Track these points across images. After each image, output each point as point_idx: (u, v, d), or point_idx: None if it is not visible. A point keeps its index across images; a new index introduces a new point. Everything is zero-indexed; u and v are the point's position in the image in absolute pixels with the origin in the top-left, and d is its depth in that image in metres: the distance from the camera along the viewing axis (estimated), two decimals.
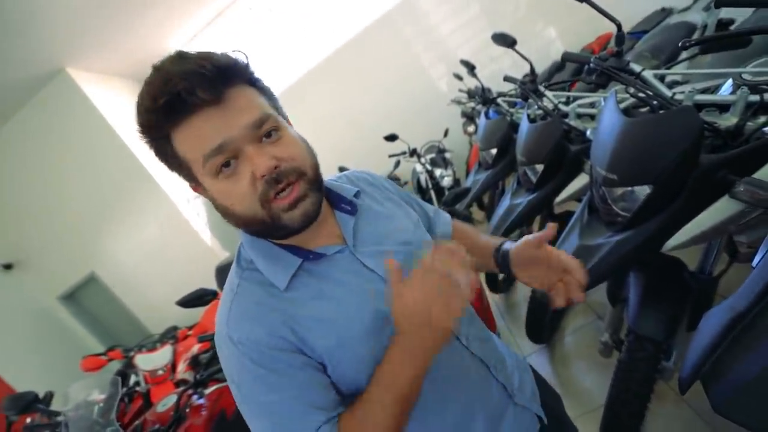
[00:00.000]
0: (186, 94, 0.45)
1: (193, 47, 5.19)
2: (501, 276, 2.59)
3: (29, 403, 1.75)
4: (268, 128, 0.51)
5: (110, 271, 4.52)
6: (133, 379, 2.94)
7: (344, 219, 0.62)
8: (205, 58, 0.48)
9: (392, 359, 0.52)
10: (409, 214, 0.71)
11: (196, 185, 0.55)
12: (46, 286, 4.46)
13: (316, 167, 0.56)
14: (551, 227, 0.64)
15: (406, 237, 0.65)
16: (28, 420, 2.02)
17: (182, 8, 4.32)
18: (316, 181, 0.55)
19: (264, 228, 0.54)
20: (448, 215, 0.84)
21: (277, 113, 0.55)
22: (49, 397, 2.10)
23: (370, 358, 0.55)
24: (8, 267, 4.34)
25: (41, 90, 3.93)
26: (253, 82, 0.53)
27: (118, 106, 4.32)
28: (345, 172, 0.74)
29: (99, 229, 4.37)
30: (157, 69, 0.48)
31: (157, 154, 0.53)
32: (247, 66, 0.52)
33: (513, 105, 2.67)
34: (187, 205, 4.53)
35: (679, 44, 0.94)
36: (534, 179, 1.70)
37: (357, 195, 0.66)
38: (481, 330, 0.73)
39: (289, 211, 0.52)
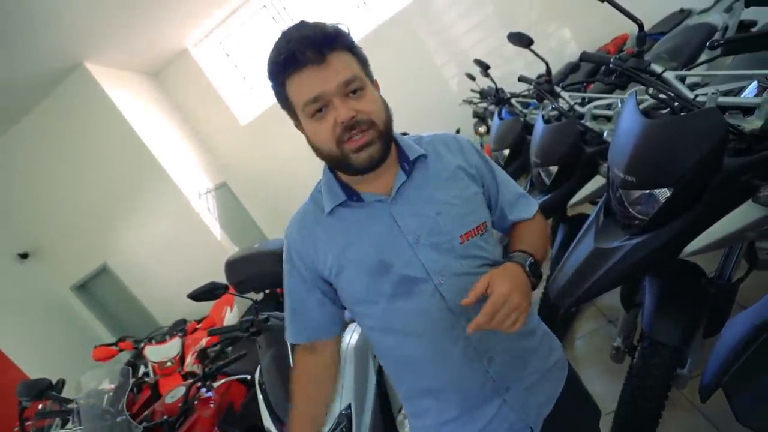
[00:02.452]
0: (299, 53, 0.60)
1: (207, 45, 5.25)
2: None
3: (43, 389, 1.79)
4: (355, 87, 0.63)
5: (122, 263, 4.59)
6: (142, 369, 2.99)
7: (399, 176, 0.71)
8: (318, 27, 0.62)
9: None
10: (466, 187, 0.74)
11: (298, 123, 0.69)
12: (60, 276, 4.55)
13: (387, 122, 0.67)
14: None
15: (442, 208, 0.70)
16: (40, 406, 2.06)
17: (197, 6, 4.37)
18: (385, 132, 0.66)
19: (337, 163, 0.67)
20: (531, 210, 0.83)
21: (366, 76, 0.66)
22: (61, 384, 2.13)
23: (363, 290, 0.71)
24: (24, 256, 4.43)
25: (60, 84, 4.00)
26: (352, 49, 0.65)
27: (133, 100, 4.38)
28: (433, 133, 0.80)
29: (112, 221, 4.44)
30: (284, 33, 0.63)
31: (276, 96, 0.67)
32: (348, 35, 0.65)
33: (526, 106, 2.64)
34: (198, 200, 4.57)
35: (707, 44, 0.92)
36: (548, 181, 1.68)
37: (420, 158, 0.72)
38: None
39: (357, 152, 0.64)
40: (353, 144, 0.63)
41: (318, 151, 0.68)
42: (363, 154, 0.64)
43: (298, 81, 0.62)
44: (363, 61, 0.68)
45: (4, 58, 3.23)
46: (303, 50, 0.59)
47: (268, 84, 0.67)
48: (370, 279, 0.69)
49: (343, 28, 0.65)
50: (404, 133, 0.81)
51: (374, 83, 0.70)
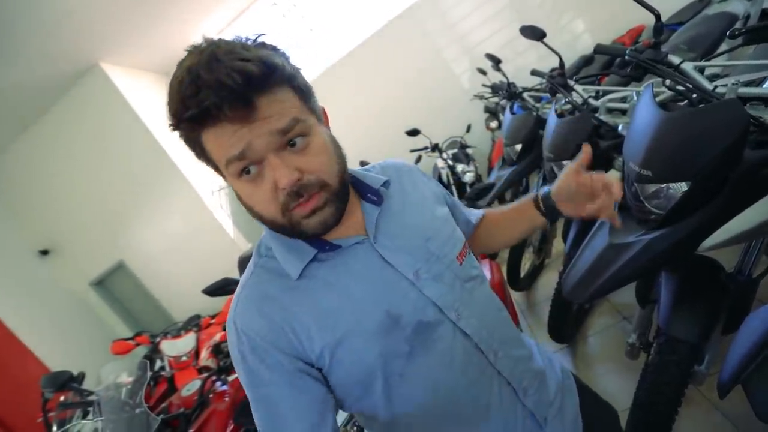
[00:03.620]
0: (215, 109, 0.44)
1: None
2: (523, 273, 2.55)
3: (65, 381, 1.84)
4: (294, 135, 0.49)
5: (137, 260, 4.69)
6: (158, 363, 3.05)
7: (369, 210, 0.61)
8: (237, 70, 0.44)
9: None
10: (437, 205, 0.69)
11: (225, 178, 0.55)
12: (78, 272, 4.67)
13: (341, 175, 0.54)
14: (586, 149, 0.65)
15: (429, 232, 0.63)
16: (62, 398, 2.13)
17: (209, 4, 4.40)
18: (339, 191, 0.53)
19: (284, 231, 0.54)
20: (480, 212, 0.84)
21: (311, 112, 0.53)
22: (82, 377, 2.20)
23: (373, 366, 0.54)
24: (45, 253, 4.56)
25: (76, 84, 4.09)
26: (289, 81, 0.50)
27: (147, 99, 4.45)
28: (379, 162, 0.72)
29: (128, 219, 4.54)
30: (189, 70, 0.45)
31: (186, 144, 0.52)
32: (283, 66, 0.49)
33: (539, 100, 2.61)
34: (211, 197, 4.64)
35: (727, 33, 0.90)
36: None
37: (385, 185, 0.64)
38: (515, 345, 0.66)
39: (308, 218, 0.52)
40: (302, 210, 0.51)
41: (255, 215, 0.54)
42: (314, 219, 0.52)
43: (216, 136, 0.47)
44: (305, 93, 0.52)
45: (20, 59, 3.31)
46: (219, 104, 0.44)
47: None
48: (383, 340, 0.54)
49: (274, 57, 0.49)
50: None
51: (322, 115, 0.56)
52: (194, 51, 0.48)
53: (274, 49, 0.51)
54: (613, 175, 0.64)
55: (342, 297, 0.55)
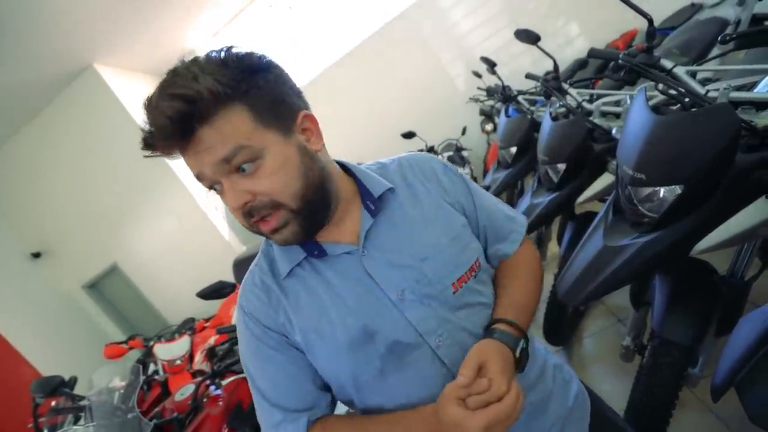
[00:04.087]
0: (157, 143, 0.47)
1: (214, 45, 5.28)
2: None
3: (56, 386, 1.82)
4: (241, 161, 0.49)
5: (131, 263, 4.65)
6: (151, 367, 3.02)
7: (365, 218, 0.59)
8: (172, 108, 0.45)
9: (411, 426, 0.53)
10: (452, 220, 0.62)
11: None
12: (71, 275, 4.63)
13: (302, 193, 0.52)
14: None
15: (427, 252, 0.58)
16: (54, 403, 2.10)
17: (204, 5, 4.40)
18: (301, 209, 0.52)
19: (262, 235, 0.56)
20: (516, 239, 0.69)
21: (270, 129, 0.50)
22: (73, 381, 2.17)
23: (345, 370, 0.56)
24: (37, 255, 4.51)
25: (70, 85, 4.07)
26: (241, 100, 0.48)
27: (141, 100, 4.42)
28: (402, 156, 0.68)
29: (121, 221, 4.50)
30: (145, 106, 0.48)
31: None
32: (231, 80, 0.47)
33: (533, 103, 2.62)
34: (206, 200, 4.61)
35: (718, 39, 0.90)
36: (556, 179, 1.67)
37: (388, 193, 0.61)
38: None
39: (273, 235, 0.53)
40: (264, 227, 0.52)
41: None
42: (277, 236, 0.53)
43: (184, 156, 0.51)
44: (264, 103, 0.50)
45: (14, 60, 3.29)
46: (159, 139, 0.47)
47: None
48: (352, 355, 0.55)
49: (227, 69, 0.48)
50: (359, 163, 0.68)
51: (294, 122, 0.53)
52: (163, 77, 0.49)
53: (235, 67, 0.48)
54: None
55: (321, 305, 0.56)
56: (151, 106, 0.47)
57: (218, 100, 0.47)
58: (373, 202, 0.59)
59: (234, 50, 0.50)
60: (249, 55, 0.50)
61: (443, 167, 0.67)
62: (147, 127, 0.47)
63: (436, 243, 0.59)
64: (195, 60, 0.49)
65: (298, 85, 0.57)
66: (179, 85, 0.46)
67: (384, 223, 0.59)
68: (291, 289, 0.58)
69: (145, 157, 0.51)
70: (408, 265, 0.57)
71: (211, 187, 0.52)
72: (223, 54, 0.49)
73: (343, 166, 0.63)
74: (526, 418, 0.61)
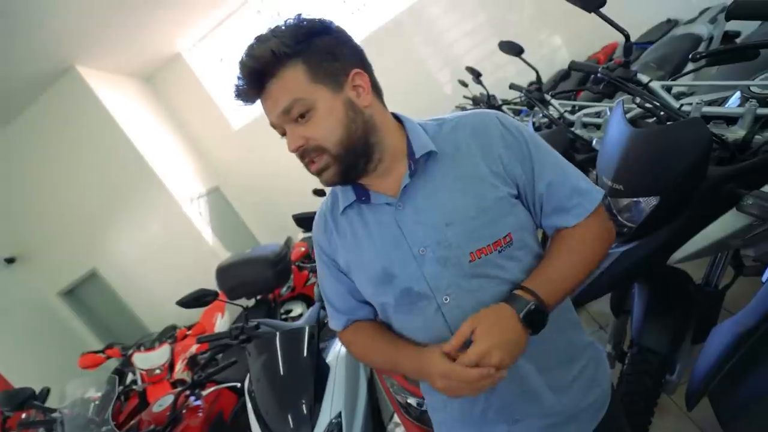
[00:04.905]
0: (242, 94, 0.61)
1: (201, 49, 5.23)
2: None
3: (25, 399, 1.75)
4: (296, 113, 0.59)
5: (111, 269, 4.52)
6: (130, 377, 2.93)
7: (405, 176, 0.65)
8: (257, 52, 0.57)
9: (401, 358, 0.67)
10: (486, 193, 0.62)
11: None
12: (47, 282, 4.47)
13: (343, 141, 0.60)
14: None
15: (453, 218, 0.61)
16: (23, 416, 2.02)
17: (192, 10, 4.36)
18: (340, 155, 0.61)
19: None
20: (578, 213, 0.64)
21: (322, 83, 0.59)
22: (46, 393, 2.09)
23: (372, 297, 0.70)
24: (11, 261, 4.34)
25: (51, 87, 3.96)
26: (299, 58, 0.58)
27: (125, 104, 4.35)
28: (464, 115, 0.68)
29: (102, 225, 4.38)
30: (239, 62, 0.60)
31: None
32: (293, 41, 0.57)
33: (518, 113, 2.67)
34: (190, 205, 4.53)
35: (689, 56, 0.94)
36: None
37: (431, 154, 0.63)
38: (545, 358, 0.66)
39: (318, 175, 0.63)
40: (312, 167, 0.63)
41: None
42: (321, 177, 0.64)
43: (263, 104, 0.63)
44: (319, 62, 0.59)
45: None
46: (243, 90, 0.60)
47: None
48: (376, 288, 0.68)
49: (287, 34, 0.58)
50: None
51: (345, 79, 0.60)
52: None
53: (295, 32, 0.58)
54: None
55: (359, 243, 0.68)
56: (240, 63, 0.59)
57: (279, 60, 0.57)
58: (414, 162, 0.63)
59: (302, 17, 0.60)
60: (311, 21, 0.60)
61: (502, 133, 0.64)
62: (235, 84, 0.60)
63: (463, 212, 0.62)
64: (276, 26, 0.60)
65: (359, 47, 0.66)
66: (254, 48, 0.58)
67: (421, 184, 0.64)
68: (341, 224, 0.71)
69: (239, 103, 0.63)
70: (433, 226, 0.62)
71: (283, 134, 0.62)
72: (292, 20, 0.59)
73: (400, 120, 0.69)
74: (540, 390, 0.66)
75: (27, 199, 4.33)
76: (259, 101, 0.62)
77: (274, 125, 0.63)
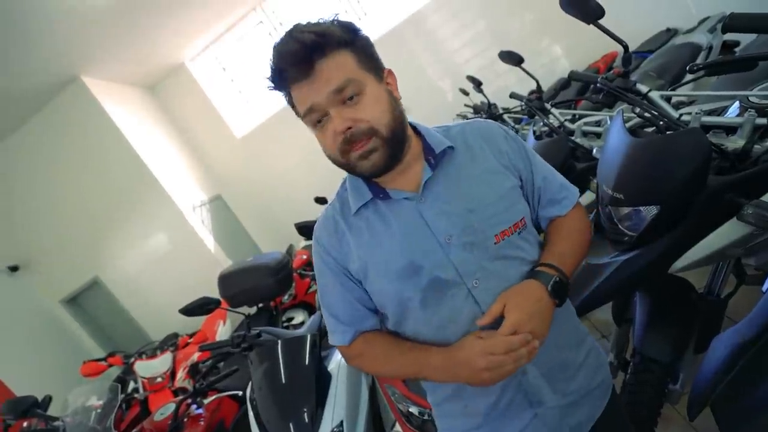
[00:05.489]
0: (285, 72, 0.60)
1: (204, 59, 5.28)
2: None
3: (28, 407, 1.75)
4: (349, 93, 0.60)
5: (114, 277, 4.53)
6: (131, 385, 2.93)
7: (425, 171, 0.68)
8: (304, 35, 0.58)
9: (429, 358, 0.65)
10: (502, 182, 0.69)
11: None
12: (50, 290, 4.48)
13: (393, 124, 0.63)
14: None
15: (475, 204, 0.66)
16: (25, 424, 2.01)
17: (195, 21, 4.42)
18: (390, 137, 0.63)
19: (347, 170, 0.67)
20: (567, 203, 0.75)
21: (369, 71, 0.63)
22: (48, 401, 2.09)
23: (393, 296, 0.67)
24: (14, 269, 4.36)
25: (56, 97, 4.01)
26: (349, 43, 0.61)
27: (129, 113, 4.39)
28: (467, 122, 0.76)
29: (105, 234, 4.40)
30: (274, 46, 0.61)
31: (288, 102, 0.66)
32: (343, 30, 0.61)
33: (519, 121, 2.69)
34: (192, 213, 4.55)
35: (687, 68, 0.95)
36: None
37: (448, 150, 0.69)
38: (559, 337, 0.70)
39: (361, 160, 0.62)
40: (357, 152, 0.62)
41: (329, 158, 0.67)
42: (366, 163, 0.62)
43: (295, 93, 0.62)
44: (364, 54, 0.64)
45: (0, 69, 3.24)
46: (287, 68, 0.59)
47: (267, 95, 0.66)
48: (400, 283, 0.66)
49: (336, 24, 0.62)
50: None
51: (383, 73, 0.66)
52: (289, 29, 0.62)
53: (341, 24, 0.62)
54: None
55: (379, 239, 0.67)
56: (283, 40, 0.60)
57: (337, 41, 0.60)
58: (434, 157, 0.68)
59: (339, 17, 0.64)
60: (350, 22, 0.64)
61: (505, 135, 0.74)
62: (274, 62, 0.60)
63: (484, 198, 0.67)
64: (310, 22, 0.62)
65: None
66: (310, 26, 0.60)
67: (441, 177, 0.68)
68: (356, 224, 0.69)
69: (269, 89, 0.64)
70: (457, 214, 0.65)
71: (318, 121, 0.62)
72: (332, 18, 0.63)
73: (412, 126, 0.72)
74: (557, 370, 0.69)
75: (31, 208, 4.36)
76: (277, 95, 0.64)
77: (312, 109, 0.61)
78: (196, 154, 5.40)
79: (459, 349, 0.62)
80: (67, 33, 3.32)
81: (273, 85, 0.63)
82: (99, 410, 1.86)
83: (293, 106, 0.65)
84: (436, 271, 0.64)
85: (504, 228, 0.66)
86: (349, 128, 0.60)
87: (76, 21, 3.24)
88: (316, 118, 0.62)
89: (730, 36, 1.99)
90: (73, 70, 3.87)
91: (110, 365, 2.98)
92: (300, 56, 0.58)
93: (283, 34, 0.61)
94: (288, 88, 0.62)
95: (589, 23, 1.04)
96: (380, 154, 0.62)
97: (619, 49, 1.09)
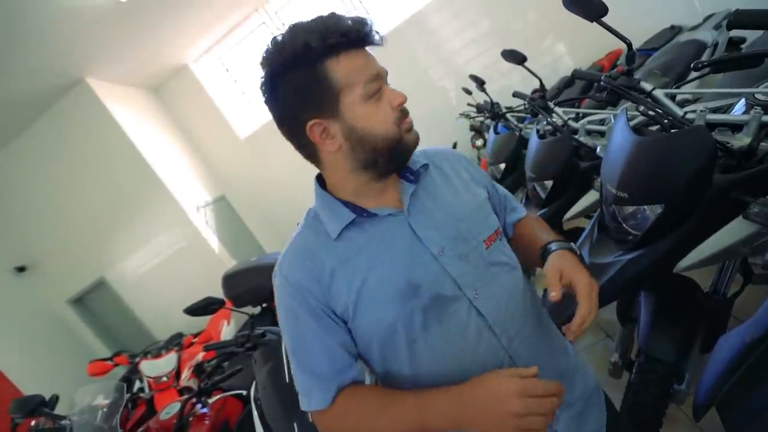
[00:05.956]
0: (361, 31, 0.58)
1: (207, 60, 5.30)
2: None
3: (36, 406, 1.76)
4: (386, 79, 0.63)
5: (119, 277, 4.56)
6: (137, 385, 2.94)
7: (405, 186, 0.66)
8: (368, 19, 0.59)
9: (433, 402, 0.57)
10: (477, 193, 0.72)
11: (325, 116, 0.60)
12: (56, 290, 4.52)
13: None
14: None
15: (461, 213, 0.67)
16: (33, 423, 2.03)
17: (197, 22, 4.44)
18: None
19: (389, 148, 0.62)
20: (522, 208, 0.83)
21: None
22: (55, 400, 2.10)
23: (390, 323, 0.60)
24: (21, 269, 4.40)
25: (61, 99, 4.04)
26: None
27: (133, 115, 4.42)
28: (427, 148, 0.77)
29: (110, 235, 4.43)
30: (326, 15, 0.59)
31: (299, 81, 0.59)
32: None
33: (522, 120, 2.68)
34: (196, 214, 4.57)
35: (692, 65, 0.94)
36: (543, 195, 1.69)
37: (423, 167, 0.69)
38: (541, 337, 0.69)
39: (408, 132, 0.63)
40: (407, 124, 0.63)
41: (368, 140, 0.61)
42: (413, 135, 0.64)
43: (357, 60, 0.59)
44: None
45: (5, 72, 3.27)
46: (362, 29, 0.58)
47: (286, 74, 0.59)
48: (399, 305, 0.60)
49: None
50: None
51: None
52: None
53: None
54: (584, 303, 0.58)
55: (369, 260, 0.61)
56: (337, 15, 0.59)
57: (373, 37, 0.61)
58: (412, 173, 0.67)
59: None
60: None
61: (465, 157, 0.78)
62: (324, 24, 0.57)
63: (466, 207, 0.68)
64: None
65: None
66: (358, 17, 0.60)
67: (422, 191, 0.67)
68: (341, 249, 0.63)
69: (296, 62, 0.58)
70: (445, 225, 0.64)
71: (375, 92, 0.60)
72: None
73: None
74: (561, 379, 0.62)
75: (37, 209, 4.40)
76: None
77: (379, 75, 0.61)
78: (199, 155, 5.43)
79: (479, 386, 0.53)
80: (72, 35, 3.35)
81: (327, 45, 0.56)
82: (105, 409, 1.87)
83: (318, 83, 0.58)
84: (435, 287, 0.61)
85: (489, 233, 0.67)
86: (404, 99, 0.62)
87: (80, 23, 3.26)
88: (377, 87, 0.60)
89: (735, 33, 1.97)
90: (77, 72, 3.90)
91: (116, 365, 3.00)
92: (363, 26, 0.58)
93: (288, 28, 0.59)
94: (344, 54, 0.58)
95: (592, 21, 1.03)
96: (416, 132, 0.64)
97: (623, 46, 1.08)
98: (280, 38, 0.59)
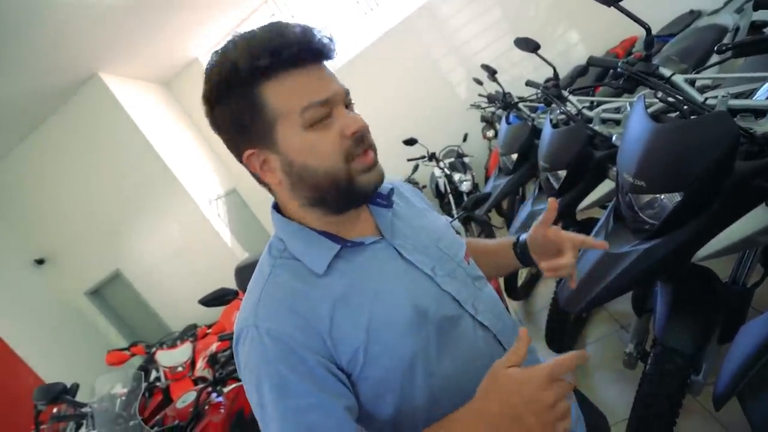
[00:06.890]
0: (307, 47, 0.49)
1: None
2: (520, 282, 2.55)
3: (58, 394, 1.82)
4: (349, 101, 0.55)
5: (134, 269, 4.66)
6: (153, 374, 3.02)
7: (380, 212, 0.62)
8: (309, 27, 0.52)
9: (452, 424, 0.49)
10: (438, 216, 0.74)
11: (262, 147, 0.53)
12: (74, 282, 4.63)
13: None
14: (552, 203, 0.66)
15: (437, 234, 0.66)
16: (55, 410, 2.10)
17: (207, 15, 4.45)
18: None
19: (335, 188, 0.52)
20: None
21: None
22: (75, 388, 2.17)
23: (407, 357, 0.53)
24: (40, 262, 4.52)
25: (75, 94, 4.10)
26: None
27: (145, 109, 4.47)
28: None
29: (125, 228, 4.52)
30: (264, 27, 0.51)
31: (237, 102, 0.51)
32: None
33: (534, 110, 2.64)
34: (209, 207, 4.63)
35: (715, 48, 0.91)
36: (557, 185, 1.67)
37: (392, 191, 0.66)
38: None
39: (366, 173, 0.53)
40: (363, 162, 0.53)
41: (310, 175, 0.52)
42: (372, 174, 0.54)
43: (300, 80, 0.50)
44: None
45: (18, 69, 3.33)
46: (304, 44, 0.49)
47: (220, 93, 0.51)
48: (414, 336, 0.54)
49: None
50: None
51: None
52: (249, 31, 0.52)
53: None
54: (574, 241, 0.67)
55: (371, 294, 0.54)
56: (285, 26, 0.50)
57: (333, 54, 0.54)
58: (383, 198, 0.63)
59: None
60: None
61: (412, 187, 0.78)
62: (272, 38, 0.49)
63: (439, 227, 0.69)
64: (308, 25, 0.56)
65: None
66: (315, 29, 0.52)
67: (395, 217, 0.64)
68: (333, 286, 0.54)
69: (227, 87, 0.51)
70: (428, 246, 0.63)
71: (324, 118, 0.51)
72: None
73: None
74: None
75: (54, 203, 4.49)
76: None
77: (329, 101, 0.51)
78: (211, 149, 5.47)
79: (492, 389, 0.47)
80: (85, 31, 3.38)
81: (264, 63, 0.48)
82: (124, 398, 1.92)
83: (253, 108, 0.50)
84: (440, 310, 0.57)
85: (464, 250, 0.69)
86: (363, 127, 0.52)
87: (92, 18, 3.29)
88: (323, 114, 0.50)
89: (758, 15, 1.90)
90: (91, 67, 3.94)
91: (133, 354, 3.08)
92: (325, 39, 0.51)
93: (269, 24, 0.52)
94: (285, 73, 0.49)
95: (609, 6, 1.01)
96: (379, 171, 0.55)
97: (639, 33, 1.05)
98: (215, 56, 0.51)
